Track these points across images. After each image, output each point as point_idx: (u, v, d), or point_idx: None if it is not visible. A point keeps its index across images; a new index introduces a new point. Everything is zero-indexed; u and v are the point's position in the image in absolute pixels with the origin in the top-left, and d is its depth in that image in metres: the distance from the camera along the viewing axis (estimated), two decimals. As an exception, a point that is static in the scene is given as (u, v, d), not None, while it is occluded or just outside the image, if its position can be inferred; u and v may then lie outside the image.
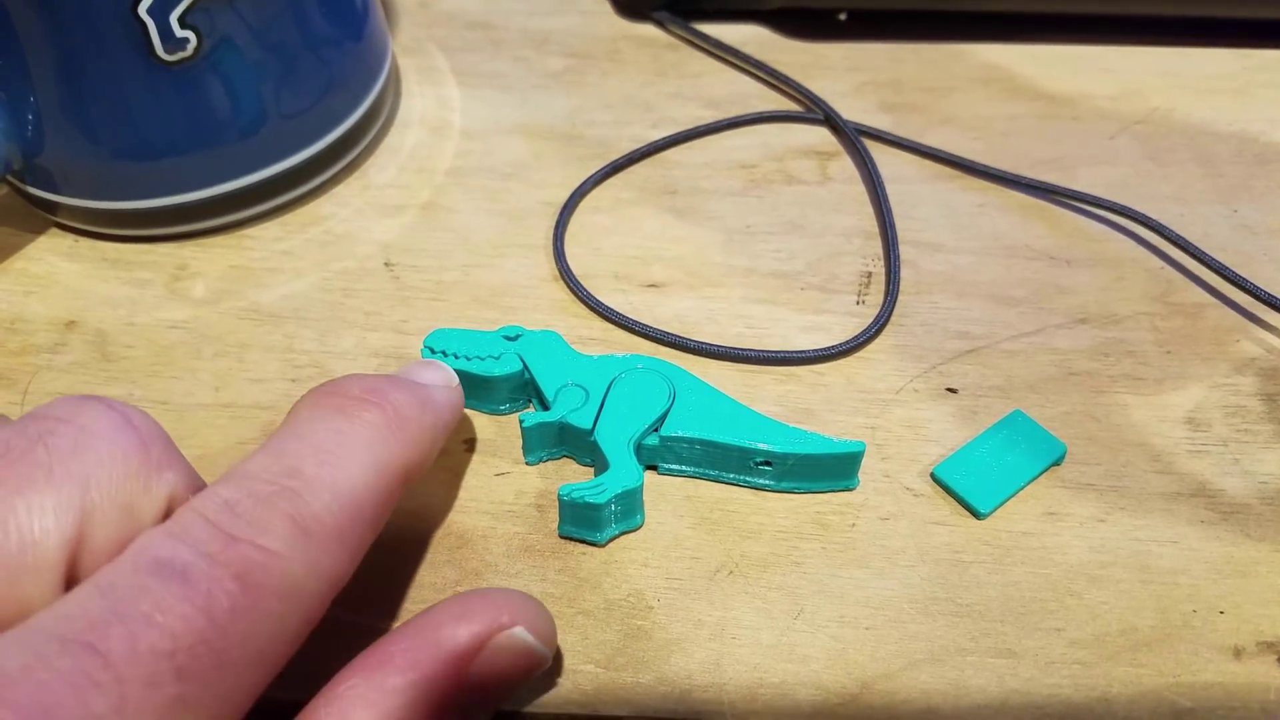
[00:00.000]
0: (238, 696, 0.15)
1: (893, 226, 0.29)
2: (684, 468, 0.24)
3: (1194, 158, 0.31)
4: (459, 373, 0.24)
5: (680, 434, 0.23)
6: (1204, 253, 0.28)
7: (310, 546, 0.16)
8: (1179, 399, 0.25)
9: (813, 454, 0.23)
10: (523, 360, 0.25)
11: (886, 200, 0.30)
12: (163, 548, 0.15)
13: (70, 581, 0.16)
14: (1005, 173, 0.30)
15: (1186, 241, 0.28)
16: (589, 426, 0.23)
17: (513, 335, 0.25)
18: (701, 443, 0.23)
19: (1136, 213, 0.29)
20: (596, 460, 0.24)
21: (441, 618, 0.18)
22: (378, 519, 0.18)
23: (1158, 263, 0.28)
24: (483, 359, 0.25)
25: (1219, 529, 0.23)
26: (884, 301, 0.27)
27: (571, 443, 0.24)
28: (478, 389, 0.25)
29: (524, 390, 0.25)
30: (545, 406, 0.24)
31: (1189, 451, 0.24)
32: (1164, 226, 0.28)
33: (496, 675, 0.18)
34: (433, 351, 0.25)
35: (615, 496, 0.22)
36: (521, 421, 0.24)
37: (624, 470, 0.22)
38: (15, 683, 0.13)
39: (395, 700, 0.17)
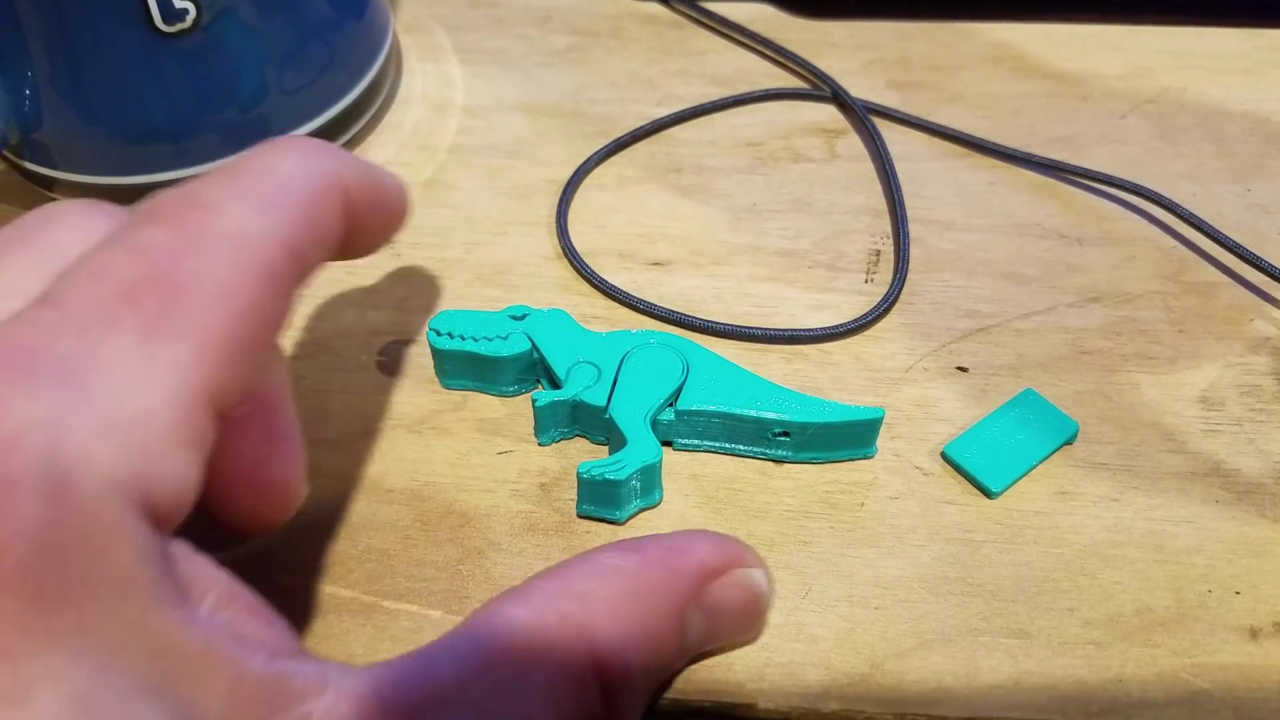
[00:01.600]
0: (211, 327, 0.15)
1: (902, 204, 0.28)
2: (700, 442, 0.23)
3: (1206, 137, 0.31)
4: (467, 354, 0.24)
5: (697, 408, 0.23)
6: (1217, 231, 0.27)
7: (248, 198, 0.16)
8: (1192, 378, 0.25)
9: (832, 422, 0.23)
10: (531, 339, 0.24)
11: (895, 178, 0.29)
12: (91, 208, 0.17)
13: None
14: (1016, 151, 0.30)
15: (1200, 219, 0.28)
16: (603, 403, 0.23)
17: (519, 315, 0.25)
18: (719, 415, 0.23)
19: (1149, 191, 0.28)
20: (612, 437, 0.23)
21: (696, 539, 0.19)
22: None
23: (1170, 241, 0.28)
24: (490, 339, 0.24)
25: (1234, 509, 0.22)
26: (893, 279, 0.27)
27: (585, 421, 0.24)
28: (486, 370, 0.24)
29: (532, 370, 0.25)
30: (556, 385, 0.24)
31: (1203, 431, 0.24)
32: (1177, 205, 0.28)
33: (724, 607, 0.19)
34: (438, 334, 0.24)
35: (635, 472, 0.22)
36: (534, 401, 0.23)
37: (643, 445, 0.22)
38: None
39: (635, 583, 0.18)
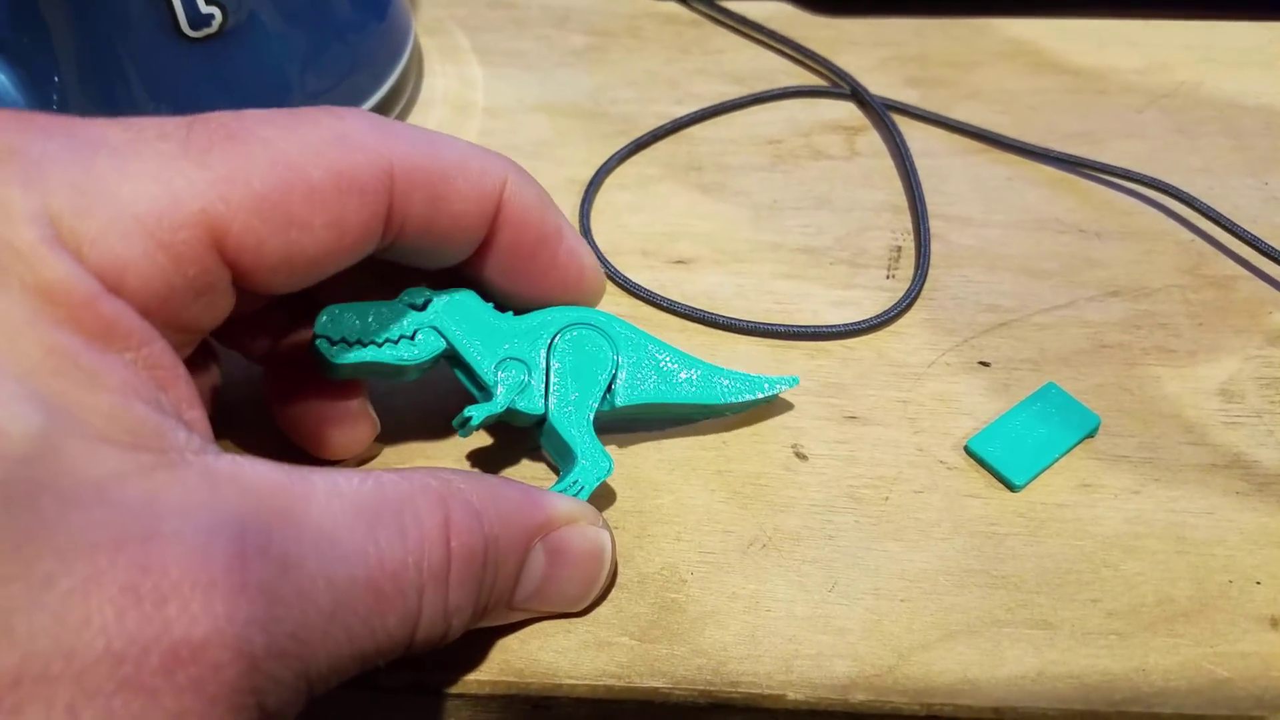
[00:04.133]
0: (243, 179, 0.16)
1: (922, 200, 0.29)
2: (630, 430, 0.23)
3: (1223, 130, 0.31)
4: (371, 364, 0.21)
5: (635, 402, 0.22)
6: (1236, 224, 0.27)
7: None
8: (1212, 371, 0.25)
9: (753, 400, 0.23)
10: (443, 335, 0.21)
11: (915, 174, 0.29)
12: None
13: None
14: (1034, 146, 0.30)
15: (1218, 213, 0.28)
16: (541, 410, 0.21)
17: (419, 302, 0.21)
18: (657, 406, 0.23)
19: (1167, 185, 0.29)
20: (553, 444, 0.22)
21: (560, 496, 0.20)
22: None
23: (1188, 235, 0.28)
24: (395, 342, 0.21)
25: (1254, 500, 0.23)
26: (914, 275, 0.27)
27: (516, 426, 0.22)
28: (389, 373, 0.21)
29: (438, 363, 0.22)
30: (479, 387, 0.22)
31: (1223, 423, 0.24)
32: (1195, 199, 0.28)
33: (567, 552, 0.19)
34: (330, 342, 0.20)
35: (593, 493, 0.21)
36: (468, 421, 0.21)
37: (593, 459, 0.21)
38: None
39: (496, 493, 0.18)
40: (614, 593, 0.21)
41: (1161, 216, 0.29)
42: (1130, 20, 0.35)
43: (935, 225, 0.28)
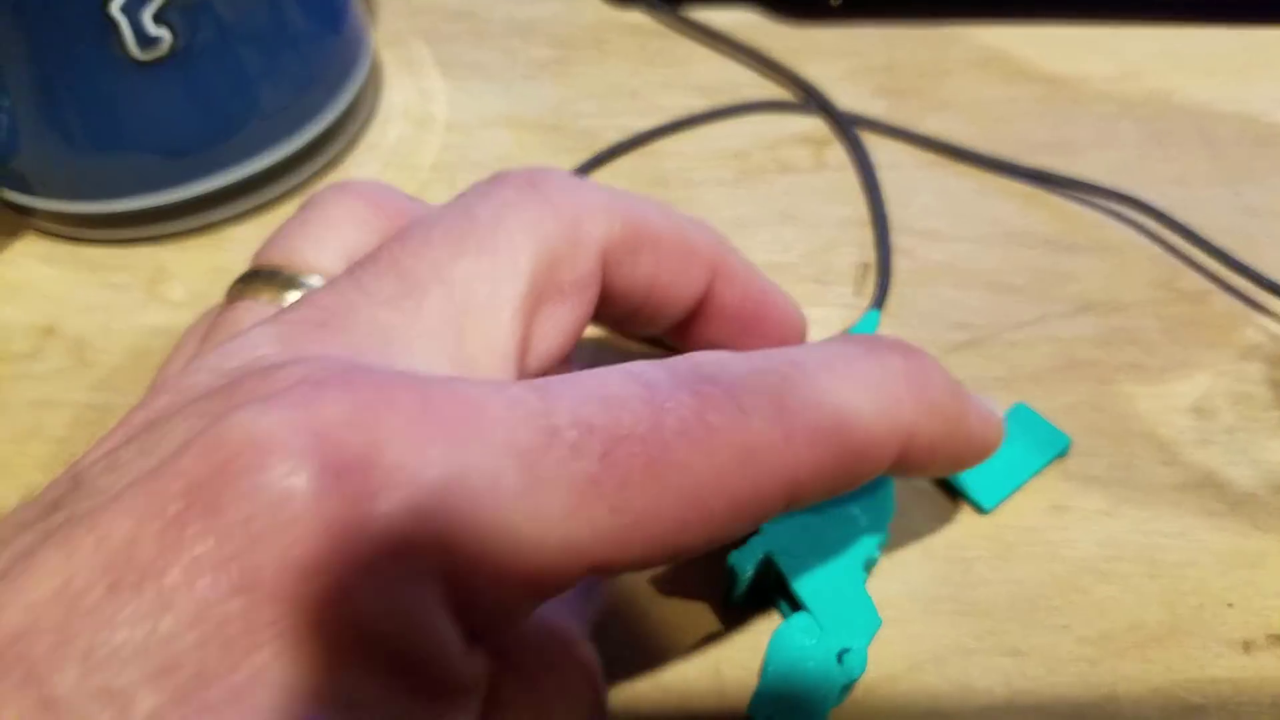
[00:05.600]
0: (649, 522, 0.14)
1: (884, 218, 0.28)
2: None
3: (1196, 139, 0.31)
4: None
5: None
6: (1206, 239, 0.27)
7: (780, 424, 0.15)
8: (1185, 387, 0.25)
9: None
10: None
11: (879, 189, 0.29)
12: (637, 364, 0.15)
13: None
14: (1003, 159, 0.30)
15: (1189, 227, 0.27)
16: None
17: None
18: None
19: (1138, 199, 0.28)
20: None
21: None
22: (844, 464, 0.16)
23: (1160, 248, 0.28)
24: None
25: (1226, 520, 0.22)
26: (874, 293, 0.27)
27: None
28: None
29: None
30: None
31: (1195, 441, 0.24)
32: (1166, 213, 0.28)
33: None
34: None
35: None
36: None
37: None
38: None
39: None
40: (574, 626, 0.21)
41: (1134, 230, 0.28)
42: (1102, 27, 0.35)
43: (903, 240, 0.28)
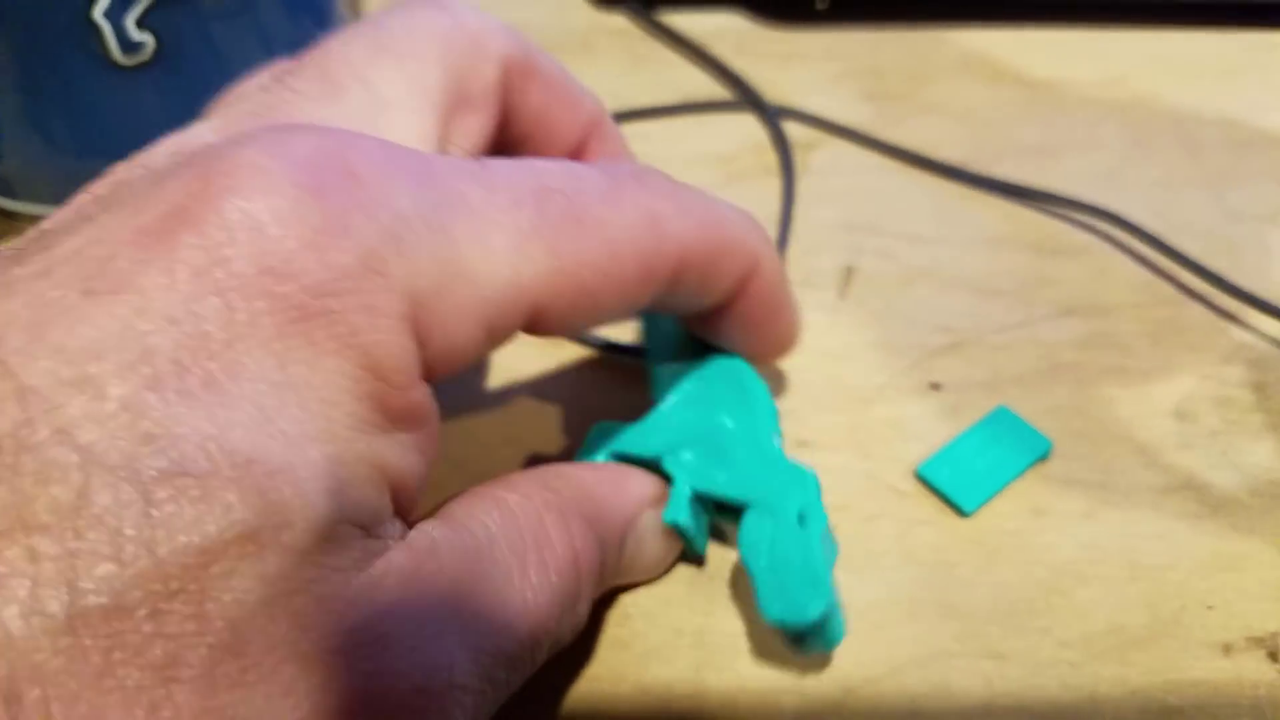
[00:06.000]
0: (577, 268, 0.16)
1: (791, 199, 0.28)
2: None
3: (1179, 143, 0.31)
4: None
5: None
6: (1181, 253, 0.27)
7: (676, 201, 0.18)
8: (1166, 391, 0.25)
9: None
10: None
11: (792, 171, 0.29)
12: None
13: None
14: (977, 174, 0.30)
15: (1162, 241, 0.27)
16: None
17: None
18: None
19: (1111, 213, 0.28)
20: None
21: (634, 471, 0.20)
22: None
23: (1144, 251, 0.28)
24: None
25: (1207, 523, 0.22)
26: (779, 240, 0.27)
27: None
28: None
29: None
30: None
31: (1177, 444, 0.24)
32: (1139, 226, 0.27)
33: (650, 533, 0.19)
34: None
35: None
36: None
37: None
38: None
39: (594, 492, 0.18)
40: (557, 629, 0.21)
41: (1117, 233, 0.29)
42: (1087, 31, 0.35)
43: (887, 244, 0.28)
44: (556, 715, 0.20)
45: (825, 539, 0.20)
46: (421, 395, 0.15)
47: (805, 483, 0.20)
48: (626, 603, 0.21)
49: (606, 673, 0.20)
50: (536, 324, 0.16)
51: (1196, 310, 0.26)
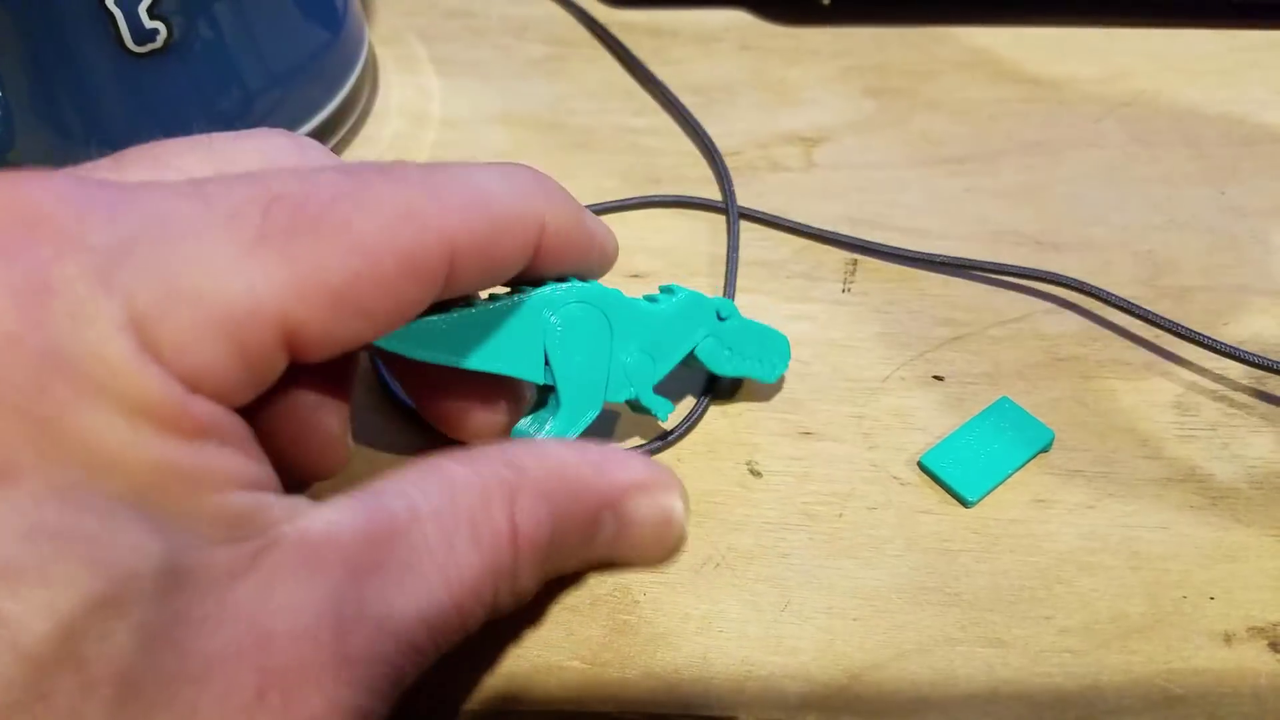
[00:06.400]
0: (322, 272, 0.16)
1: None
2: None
3: (1181, 140, 0.31)
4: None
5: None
6: (1131, 304, 0.25)
7: (430, 190, 0.17)
8: (1167, 383, 0.25)
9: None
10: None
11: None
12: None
13: None
14: (938, 257, 0.28)
15: (1111, 295, 0.26)
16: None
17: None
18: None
19: (1061, 277, 0.26)
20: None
21: (633, 457, 0.19)
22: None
23: (1145, 245, 0.28)
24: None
25: (1208, 514, 0.23)
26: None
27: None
28: None
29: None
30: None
31: (1177, 436, 0.24)
32: (1085, 284, 0.26)
33: (638, 520, 0.19)
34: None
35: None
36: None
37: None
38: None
39: (568, 471, 0.18)
40: (565, 615, 0.21)
41: (1118, 227, 0.29)
42: (1089, 28, 0.35)
43: (892, 237, 0.28)
44: (563, 699, 0.20)
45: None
46: (202, 409, 0.15)
47: (695, 299, 0.23)
48: (634, 589, 0.21)
49: (614, 658, 0.20)
50: (304, 341, 0.16)
51: (1195, 304, 0.27)
